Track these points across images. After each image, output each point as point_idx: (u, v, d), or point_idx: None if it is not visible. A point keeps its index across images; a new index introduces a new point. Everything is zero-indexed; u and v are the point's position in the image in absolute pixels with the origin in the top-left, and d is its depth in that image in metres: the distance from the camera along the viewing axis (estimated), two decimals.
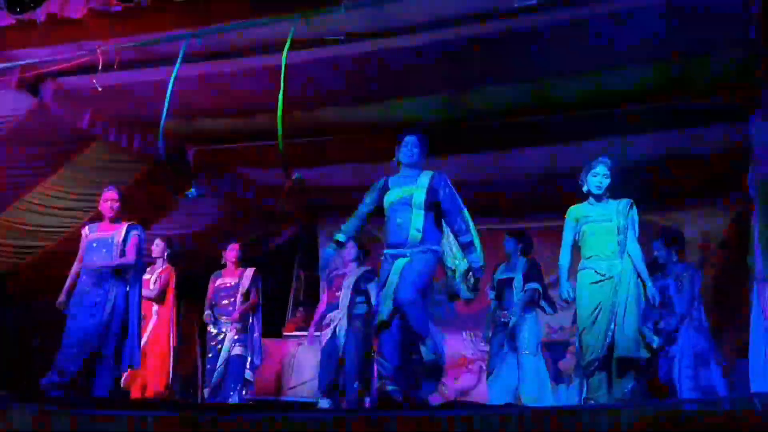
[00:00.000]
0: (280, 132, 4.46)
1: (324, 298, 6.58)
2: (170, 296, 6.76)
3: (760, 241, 4.55)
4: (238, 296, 6.44)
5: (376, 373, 5.75)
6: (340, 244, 4.48)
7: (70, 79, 5.54)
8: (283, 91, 4.52)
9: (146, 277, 6.68)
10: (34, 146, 6.11)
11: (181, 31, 4.79)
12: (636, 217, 4.61)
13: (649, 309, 4.68)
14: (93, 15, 4.78)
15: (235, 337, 6.34)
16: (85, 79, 5.32)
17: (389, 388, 4.24)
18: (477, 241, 4.30)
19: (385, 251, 4.39)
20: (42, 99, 5.72)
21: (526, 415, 2.97)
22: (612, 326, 4.42)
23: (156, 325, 6.61)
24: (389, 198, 4.42)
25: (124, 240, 5.23)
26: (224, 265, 6.64)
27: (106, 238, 5.23)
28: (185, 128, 6.30)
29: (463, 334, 8.15)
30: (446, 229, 4.43)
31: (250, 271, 6.55)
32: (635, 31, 4.68)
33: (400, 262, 4.25)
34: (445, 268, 4.43)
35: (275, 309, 8.64)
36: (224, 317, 6.42)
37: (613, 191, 4.68)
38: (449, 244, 4.44)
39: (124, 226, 5.29)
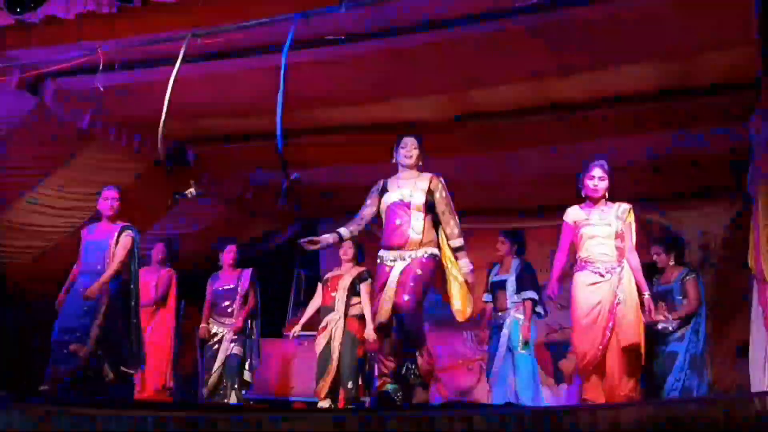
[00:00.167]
0: (279, 132, 4.46)
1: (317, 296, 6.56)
2: (172, 298, 6.78)
3: (761, 241, 4.54)
4: (238, 297, 6.43)
5: (376, 373, 5.75)
6: (341, 237, 4.48)
7: (70, 79, 5.54)
8: (283, 91, 4.52)
9: (147, 279, 6.69)
10: (34, 146, 6.11)
11: (181, 31, 4.78)
12: (633, 223, 4.62)
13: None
14: (93, 15, 4.78)
15: (233, 337, 6.34)
16: (85, 79, 5.32)
17: (389, 387, 4.25)
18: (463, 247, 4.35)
19: (383, 253, 4.39)
20: (42, 99, 5.73)
21: (526, 415, 2.97)
22: (610, 326, 4.41)
23: (157, 326, 6.62)
24: (387, 200, 4.42)
25: (117, 242, 5.23)
26: (221, 267, 6.64)
27: (101, 241, 5.25)
28: (185, 128, 6.30)
29: (464, 334, 8.14)
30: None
31: (248, 272, 6.54)
32: (635, 31, 4.68)
33: (399, 266, 4.25)
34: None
35: (275, 309, 8.63)
36: (224, 318, 6.42)
37: (612, 193, 4.68)
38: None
39: (118, 227, 5.29)
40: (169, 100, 4.75)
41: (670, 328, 5.45)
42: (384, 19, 4.75)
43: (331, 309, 6.15)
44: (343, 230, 4.47)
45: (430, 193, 4.34)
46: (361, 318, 6.11)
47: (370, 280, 6.10)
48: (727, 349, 6.62)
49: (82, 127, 6.09)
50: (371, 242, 5.81)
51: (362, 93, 5.72)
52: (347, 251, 6.28)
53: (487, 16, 4.63)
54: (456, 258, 4.36)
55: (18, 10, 4.89)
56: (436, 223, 4.39)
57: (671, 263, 5.67)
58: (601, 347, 4.43)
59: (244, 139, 6.69)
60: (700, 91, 5.42)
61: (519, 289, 5.98)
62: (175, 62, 4.77)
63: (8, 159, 6.09)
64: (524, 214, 7.98)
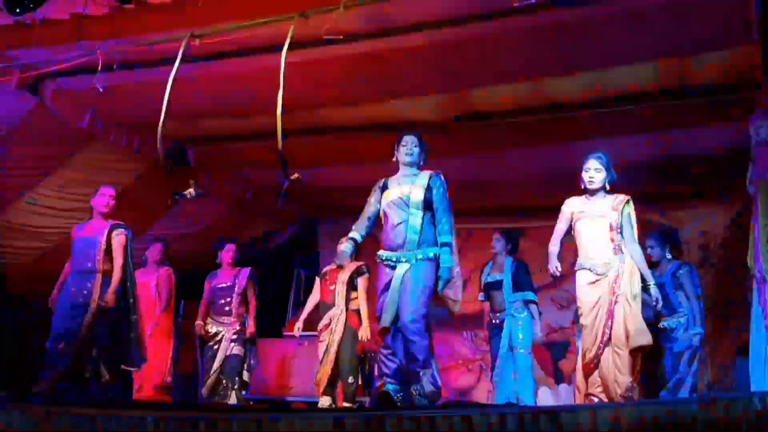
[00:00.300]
0: (279, 132, 4.46)
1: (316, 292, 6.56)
2: (172, 297, 6.78)
3: (761, 240, 4.54)
4: (235, 296, 6.44)
5: (376, 373, 5.76)
6: (357, 243, 4.49)
7: (70, 79, 5.54)
8: (283, 91, 4.52)
9: (145, 279, 6.70)
10: (34, 146, 6.11)
11: (180, 31, 4.78)
12: (633, 214, 4.55)
13: (648, 309, 4.66)
14: (93, 15, 4.79)
15: (233, 337, 6.34)
16: (85, 79, 5.32)
17: (389, 387, 4.26)
18: (452, 245, 4.31)
19: (383, 253, 4.39)
20: (42, 99, 5.72)
21: (526, 415, 2.97)
22: (609, 323, 4.41)
23: (157, 325, 6.63)
24: (387, 198, 4.43)
25: (108, 241, 5.22)
26: (219, 266, 6.64)
27: (91, 238, 5.23)
28: (185, 128, 6.30)
29: (464, 334, 8.15)
30: None
31: (245, 271, 6.55)
32: (635, 31, 4.68)
33: (401, 270, 4.25)
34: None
35: (275, 309, 8.64)
36: (223, 318, 6.42)
37: (613, 188, 4.66)
38: None
39: (108, 225, 5.28)
40: (169, 100, 4.75)
41: (672, 326, 5.45)
42: (383, 19, 4.75)
43: (331, 304, 6.16)
44: (355, 234, 4.50)
45: (428, 189, 4.35)
46: (359, 313, 6.12)
47: (367, 275, 6.12)
48: (727, 349, 6.62)
49: (82, 127, 6.09)
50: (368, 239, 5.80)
51: (362, 93, 5.72)
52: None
53: (487, 16, 4.63)
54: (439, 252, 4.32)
55: (18, 10, 4.89)
56: (435, 222, 4.39)
57: (666, 257, 5.65)
58: (601, 345, 4.42)
59: (244, 139, 6.69)
60: (700, 91, 5.42)
61: (517, 290, 5.98)
62: (175, 62, 4.77)
63: (8, 159, 6.09)
64: (523, 214, 7.99)
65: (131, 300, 5.33)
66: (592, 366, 4.49)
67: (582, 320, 4.57)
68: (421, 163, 4.52)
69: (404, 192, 4.39)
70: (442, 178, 4.44)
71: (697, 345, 5.51)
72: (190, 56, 4.86)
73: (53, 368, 4.91)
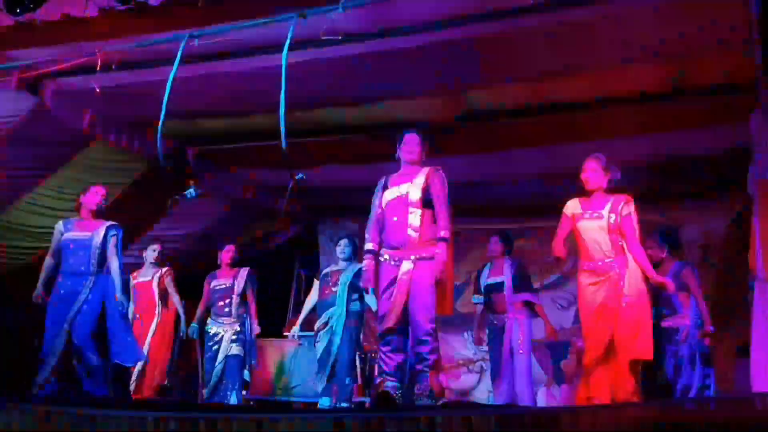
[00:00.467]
0: (283, 132, 4.46)
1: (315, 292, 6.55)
2: (175, 296, 6.79)
3: (761, 241, 4.54)
4: (234, 296, 6.44)
5: (376, 373, 5.76)
6: (374, 253, 4.44)
7: (70, 79, 5.54)
8: (285, 91, 4.52)
9: (146, 280, 6.71)
10: (34, 146, 6.11)
11: (181, 31, 4.79)
12: (633, 214, 4.51)
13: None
14: (93, 15, 4.79)
15: (233, 337, 6.34)
16: (85, 80, 5.32)
17: (389, 384, 4.26)
18: (448, 241, 4.29)
19: (385, 252, 4.39)
20: (42, 99, 5.72)
21: (525, 415, 2.97)
22: (613, 326, 4.40)
23: (158, 326, 6.65)
24: (387, 197, 4.43)
25: (104, 242, 5.11)
26: (219, 266, 6.64)
27: (84, 239, 5.11)
28: (185, 128, 6.30)
29: (464, 334, 8.15)
30: None
31: (244, 271, 6.54)
32: (635, 31, 4.68)
33: (405, 269, 4.24)
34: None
35: (275, 309, 8.65)
36: (223, 318, 6.42)
37: (614, 188, 4.65)
38: None
39: (104, 227, 5.16)
40: (168, 101, 4.75)
41: (674, 327, 5.45)
42: (383, 19, 4.75)
43: (331, 304, 6.14)
44: (371, 246, 4.43)
45: (426, 186, 4.35)
46: (360, 315, 6.12)
47: None
48: (727, 349, 6.61)
49: (82, 127, 6.09)
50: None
51: (362, 93, 5.72)
52: (344, 249, 6.29)
53: (487, 16, 4.63)
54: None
55: (18, 10, 4.89)
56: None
57: (665, 256, 5.63)
58: (604, 347, 4.41)
59: (244, 139, 6.69)
60: (700, 91, 5.42)
61: (516, 291, 5.98)
62: (175, 62, 4.77)
63: (8, 159, 6.09)
64: (524, 214, 7.99)
65: (120, 298, 5.27)
66: (593, 367, 4.49)
67: (583, 322, 4.56)
68: (423, 161, 4.53)
69: (403, 190, 4.40)
70: (442, 173, 4.43)
71: (706, 345, 5.50)
72: (190, 56, 4.86)
73: (46, 367, 4.90)
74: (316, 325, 6.23)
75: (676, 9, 4.45)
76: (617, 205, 4.52)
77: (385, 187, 4.50)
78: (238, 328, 6.38)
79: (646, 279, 4.47)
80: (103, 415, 3.43)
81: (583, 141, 5.99)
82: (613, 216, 4.50)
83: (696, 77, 5.26)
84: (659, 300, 5.61)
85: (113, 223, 5.26)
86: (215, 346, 6.35)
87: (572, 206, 4.68)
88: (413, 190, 4.35)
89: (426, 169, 4.43)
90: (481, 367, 7.93)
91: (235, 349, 6.32)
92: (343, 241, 6.36)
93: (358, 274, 6.18)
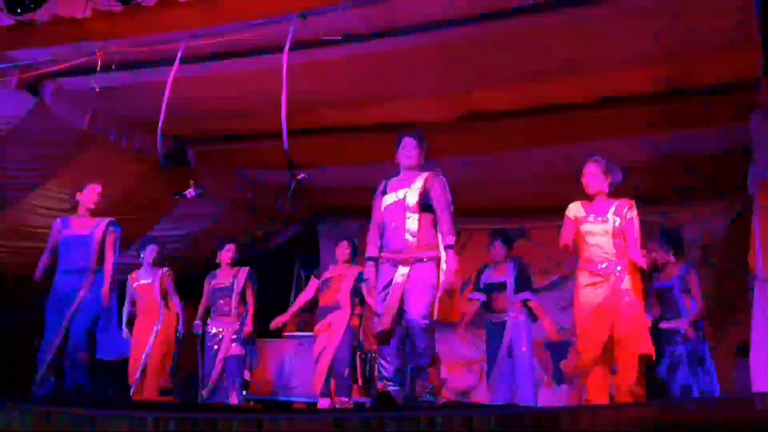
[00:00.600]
0: (285, 132, 4.46)
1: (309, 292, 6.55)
2: (175, 297, 6.80)
3: (761, 241, 4.54)
4: (234, 296, 6.44)
5: (376, 374, 5.76)
6: (375, 259, 4.42)
7: (70, 79, 5.54)
8: (286, 91, 4.52)
9: (147, 282, 6.71)
10: (34, 147, 6.11)
11: (181, 31, 4.79)
12: (636, 219, 4.51)
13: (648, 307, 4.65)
14: (93, 15, 4.79)
15: (233, 337, 6.34)
16: (85, 80, 5.32)
17: (390, 388, 4.26)
18: (454, 247, 4.27)
19: (384, 257, 4.37)
20: (42, 99, 5.72)
21: (525, 415, 2.97)
22: (612, 326, 4.40)
23: (163, 327, 6.67)
24: (386, 202, 4.41)
25: (104, 238, 5.14)
26: (218, 266, 6.64)
27: (83, 236, 5.14)
28: (185, 128, 6.30)
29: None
30: None
31: (244, 271, 6.54)
32: (635, 31, 4.68)
33: (402, 271, 4.24)
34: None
35: (275, 309, 8.63)
36: (223, 318, 6.42)
37: (617, 191, 4.64)
38: None
39: (104, 223, 5.20)
40: (168, 101, 4.75)
41: (674, 328, 5.44)
42: (383, 19, 4.75)
43: (334, 308, 6.14)
44: (372, 251, 4.41)
45: (425, 191, 4.32)
46: (360, 316, 6.13)
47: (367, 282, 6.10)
48: (727, 349, 6.62)
49: (82, 128, 6.09)
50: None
51: (362, 93, 5.72)
52: (344, 251, 6.28)
53: (488, 16, 4.63)
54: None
55: (18, 10, 4.89)
56: (436, 223, 4.35)
57: (670, 259, 5.62)
58: (602, 347, 4.41)
59: (244, 139, 6.69)
60: (700, 91, 5.42)
61: (518, 291, 5.98)
62: (175, 62, 4.77)
63: (8, 159, 6.09)
64: (524, 214, 7.98)
65: (115, 294, 5.27)
66: (592, 367, 4.48)
67: (580, 322, 4.56)
68: (422, 164, 4.49)
69: (401, 195, 4.37)
70: (442, 178, 4.39)
71: (699, 348, 5.49)
72: (191, 56, 4.86)
73: (44, 369, 4.90)
74: (317, 327, 6.23)
75: (676, 9, 4.45)
76: (622, 209, 4.51)
77: (384, 192, 4.48)
78: (239, 328, 6.38)
79: (643, 279, 4.48)
80: (103, 415, 3.43)
81: (583, 141, 6.00)
82: (618, 220, 4.49)
83: (696, 77, 5.26)
84: (662, 302, 5.63)
85: (112, 219, 5.28)
86: (215, 346, 6.35)
87: (574, 209, 4.66)
88: (411, 194, 4.32)
89: (425, 174, 4.39)
90: (482, 366, 7.92)
91: (236, 349, 6.32)
92: (344, 243, 6.35)
93: (359, 279, 6.19)
